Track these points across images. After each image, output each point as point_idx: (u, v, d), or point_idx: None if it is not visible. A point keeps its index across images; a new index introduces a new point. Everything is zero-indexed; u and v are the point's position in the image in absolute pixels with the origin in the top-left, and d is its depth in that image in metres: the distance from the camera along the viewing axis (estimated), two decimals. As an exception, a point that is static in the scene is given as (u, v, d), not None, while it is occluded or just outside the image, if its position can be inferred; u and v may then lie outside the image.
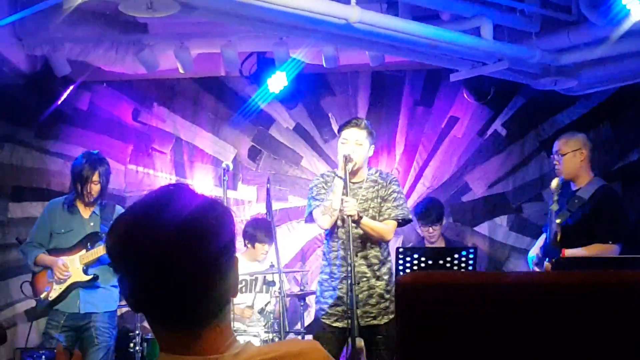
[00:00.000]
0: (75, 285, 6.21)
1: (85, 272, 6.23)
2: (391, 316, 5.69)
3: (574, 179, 6.26)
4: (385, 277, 5.71)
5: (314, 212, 5.65)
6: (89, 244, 6.26)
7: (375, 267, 5.64)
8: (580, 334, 1.66)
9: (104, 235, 6.19)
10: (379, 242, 5.68)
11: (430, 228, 7.63)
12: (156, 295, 1.78)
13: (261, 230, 7.38)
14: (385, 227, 5.63)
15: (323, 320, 5.67)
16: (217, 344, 1.81)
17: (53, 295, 6.19)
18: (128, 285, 1.82)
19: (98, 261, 6.22)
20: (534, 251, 6.38)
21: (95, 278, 6.23)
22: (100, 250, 6.17)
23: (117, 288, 6.37)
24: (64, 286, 6.20)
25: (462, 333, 1.65)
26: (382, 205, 5.69)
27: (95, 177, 6.26)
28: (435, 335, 1.65)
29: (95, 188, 6.27)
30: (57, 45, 7.49)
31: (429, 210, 7.66)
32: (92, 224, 6.34)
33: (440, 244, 7.69)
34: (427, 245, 7.68)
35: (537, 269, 6.31)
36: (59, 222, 6.35)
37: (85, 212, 6.37)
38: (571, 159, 6.26)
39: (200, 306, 1.79)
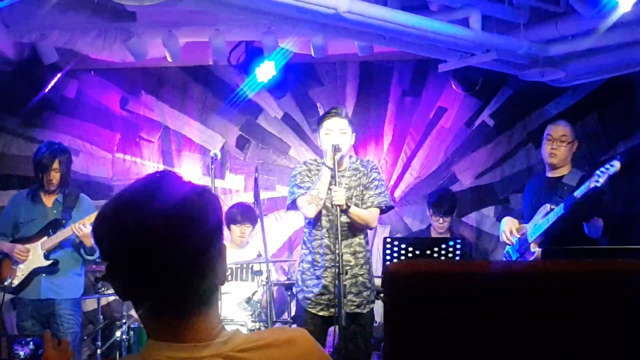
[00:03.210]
0: (37, 271, 6.34)
1: (47, 257, 6.31)
2: (371, 305, 5.75)
3: (560, 167, 6.24)
4: (366, 266, 5.73)
5: (299, 200, 5.64)
6: (50, 230, 6.37)
7: (360, 255, 5.66)
8: (566, 321, 1.67)
9: (65, 222, 6.28)
10: (363, 230, 5.70)
11: (441, 219, 7.58)
12: (144, 282, 1.78)
13: (236, 210, 7.37)
14: (371, 215, 5.66)
15: (309, 310, 5.68)
16: (205, 331, 1.81)
17: (16, 282, 6.30)
18: (116, 273, 1.82)
19: (60, 247, 6.30)
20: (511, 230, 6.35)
21: (55, 263, 6.33)
22: (60, 235, 6.28)
23: (81, 276, 6.56)
24: (26, 272, 6.31)
25: (449, 320, 1.66)
26: (364, 193, 5.71)
27: (55, 165, 6.35)
28: (422, 321, 1.66)
29: (55, 176, 6.36)
30: (44, 32, 7.46)
31: (441, 202, 7.60)
32: (54, 211, 6.46)
33: (446, 235, 7.67)
34: (434, 235, 7.66)
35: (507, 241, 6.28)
36: (23, 212, 6.48)
37: (48, 201, 6.48)
38: (570, 147, 6.27)
39: (189, 293, 1.79)
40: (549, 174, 6.33)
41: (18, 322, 6.42)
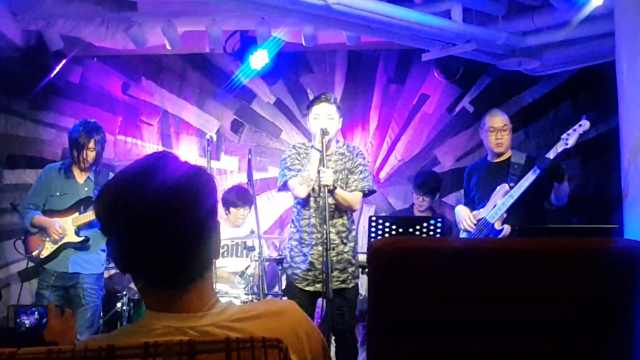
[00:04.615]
0: (66, 246, 6.20)
1: (77, 233, 6.22)
2: (356, 280, 5.74)
3: (504, 152, 6.25)
4: (351, 244, 5.70)
5: (291, 182, 5.62)
6: (82, 207, 6.24)
7: (343, 235, 5.63)
8: (536, 293, 1.68)
9: None
10: (347, 211, 5.69)
11: (421, 198, 7.60)
12: (144, 256, 1.77)
13: (235, 195, 7.37)
14: (355, 198, 5.63)
15: (296, 285, 5.67)
16: (200, 302, 1.81)
17: (45, 253, 6.18)
18: (117, 247, 1.81)
19: (89, 225, 6.22)
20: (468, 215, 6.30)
21: (86, 240, 6.22)
22: (92, 214, 6.16)
23: (104, 252, 6.38)
24: (55, 246, 6.18)
25: (429, 291, 1.67)
26: (348, 177, 5.69)
27: (91, 145, 6.23)
28: (404, 292, 1.67)
29: (90, 154, 6.24)
30: (50, 21, 7.44)
31: (425, 182, 7.61)
32: (86, 188, 6.32)
33: (427, 215, 7.67)
34: (416, 213, 7.68)
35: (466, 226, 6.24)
36: (55, 185, 6.32)
37: (80, 178, 6.34)
38: (510, 133, 6.29)
39: (186, 267, 1.79)
40: (494, 159, 6.30)
41: (38, 289, 6.32)
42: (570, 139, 5.65)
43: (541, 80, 8.58)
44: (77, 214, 6.24)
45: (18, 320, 3.79)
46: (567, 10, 6.53)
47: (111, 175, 6.28)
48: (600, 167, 8.32)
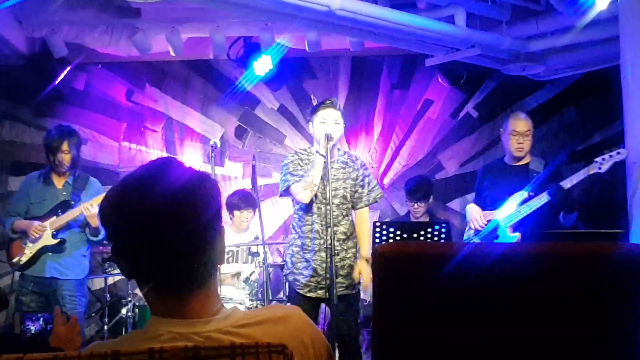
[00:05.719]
0: (44, 250, 6.22)
1: (54, 236, 6.23)
2: (359, 286, 5.74)
3: (524, 156, 6.24)
4: (352, 250, 5.71)
5: (294, 187, 5.59)
6: (59, 211, 6.26)
7: (344, 241, 5.64)
8: (543, 297, 1.68)
9: (74, 204, 6.19)
10: (347, 218, 5.71)
11: (416, 204, 7.56)
12: (148, 262, 1.77)
13: (238, 198, 7.38)
14: (367, 224, 5.78)
15: (298, 291, 5.66)
16: (205, 308, 1.81)
17: (24, 259, 6.20)
18: (121, 253, 1.81)
19: (67, 227, 6.24)
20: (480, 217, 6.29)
21: (62, 242, 6.23)
22: (69, 215, 6.19)
23: (85, 257, 6.43)
24: (34, 250, 6.20)
25: (434, 297, 1.67)
26: (357, 190, 5.70)
27: (65, 147, 6.25)
28: (408, 297, 1.67)
29: (66, 157, 6.26)
30: (55, 28, 7.46)
31: (417, 188, 7.58)
32: (64, 193, 6.35)
33: (425, 219, 7.66)
34: (413, 219, 7.66)
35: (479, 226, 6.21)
36: (35, 192, 6.36)
37: (58, 183, 6.37)
38: (531, 138, 6.26)
39: (191, 272, 1.79)
40: (512, 163, 6.27)
41: (18, 296, 6.33)
42: (604, 164, 5.57)
43: (545, 85, 8.58)
44: (54, 217, 6.26)
45: (23, 326, 3.80)
46: (571, 14, 6.54)
47: (92, 179, 6.36)
48: (605, 172, 8.30)
